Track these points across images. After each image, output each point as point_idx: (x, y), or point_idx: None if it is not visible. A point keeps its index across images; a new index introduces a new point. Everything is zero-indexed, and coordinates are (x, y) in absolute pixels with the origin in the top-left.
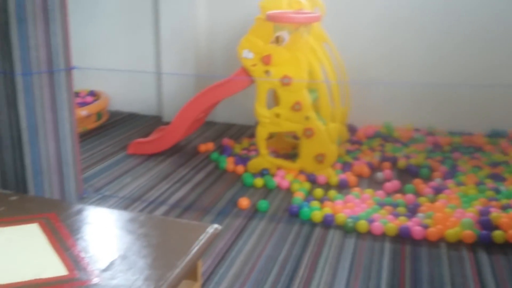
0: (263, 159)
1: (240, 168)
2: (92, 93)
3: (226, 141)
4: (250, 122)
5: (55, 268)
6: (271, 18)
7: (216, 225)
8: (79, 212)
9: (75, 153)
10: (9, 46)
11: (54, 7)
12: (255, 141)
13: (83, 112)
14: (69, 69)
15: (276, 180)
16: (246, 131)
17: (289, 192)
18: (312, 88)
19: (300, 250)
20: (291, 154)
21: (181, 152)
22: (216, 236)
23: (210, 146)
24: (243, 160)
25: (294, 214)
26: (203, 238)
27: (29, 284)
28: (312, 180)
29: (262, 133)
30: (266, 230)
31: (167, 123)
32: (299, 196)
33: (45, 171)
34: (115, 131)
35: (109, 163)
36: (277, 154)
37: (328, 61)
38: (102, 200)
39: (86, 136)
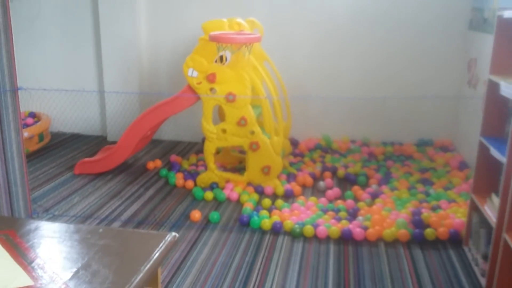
0: (212, 173)
1: (189, 183)
2: (32, 115)
3: (174, 157)
4: (196, 139)
5: (21, 279)
6: (214, 39)
7: (174, 233)
8: (38, 228)
9: (23, 173)
10: None
11: (1, 34)
12: (203, 156)
13: (24, 133)
14: (15, 90)
15: (225, 193)
16: (192, 148)
17: (238, 203)
18: (256, 104)
19: (252, 256)
20: (238, 168)
21: (129, 170)
22: (174, 244)
23: (158, 163)
24: (192, 175)
25: (244, 224)
26: (162, 245)
27: None
28: (260, 191)
29: (210, 148)
30: (219, 239)
31: (112, 142)
32: (248, 206)
33: None
34: (59, 152)
35: (56, 183)
36: (224, 168)
37: (269, 79)
38: (52, 220)
39: (29, 158)
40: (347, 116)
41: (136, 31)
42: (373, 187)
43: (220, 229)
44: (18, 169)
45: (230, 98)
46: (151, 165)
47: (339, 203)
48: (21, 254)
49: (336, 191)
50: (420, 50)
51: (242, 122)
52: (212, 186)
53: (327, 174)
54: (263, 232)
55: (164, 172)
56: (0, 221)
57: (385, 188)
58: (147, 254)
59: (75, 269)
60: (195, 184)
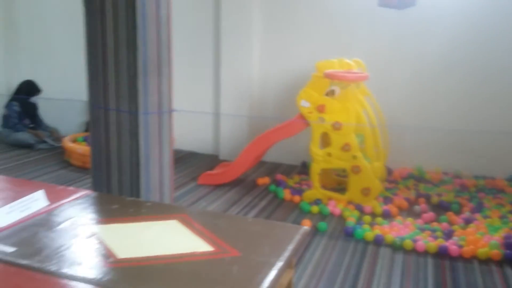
0: (317, 191)
1: (296, 198)
2: None
3: (279, 176)
4: (295, 162)
5: (204, 246)
6: (329, 76)
7: (306, 227)
8: (203, 214)
9: (171, 177)
10: (135, 92)
11: (164, 63)
12: (305, 177)
13: None
14: (170, 111)
15: (329, 208)
16: (293, 170)
17: (341, 218)
18: (359, 133)
19: (358, 260)
20: (337, 189)
21: (242, 184)
22: (306, 235)
23: (266, 180)
24: (298, 191)
25: (349, 234)
26: (299, 233)
27: (191, 254)
28: (360, 209)
29: (316, 169)
30: (328, 245)
31: (223, 161)
32: (351, 220)
33: (152, 190)
34: (181, 166)
35: (184, 191)
36: (325, 188)
37: (370, 111)
38: None
39: None
40: (439, 148)
41: (250, 66)
42: (467, 214)
43: (328, 236)
44: (168, 174)
45: (337, 126)
46: (260, 181)
47: (435, 225)
48: (198, 231)
49: (431, 215)
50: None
51: (346, 148)
52: (317, 202)
53: (422, 200)
54: (366, 242)
55: (273, 187)
56: (172, 208)
57: (478, 216)
58: (289, 239)
59: (243, 244)
60: (301, 199)
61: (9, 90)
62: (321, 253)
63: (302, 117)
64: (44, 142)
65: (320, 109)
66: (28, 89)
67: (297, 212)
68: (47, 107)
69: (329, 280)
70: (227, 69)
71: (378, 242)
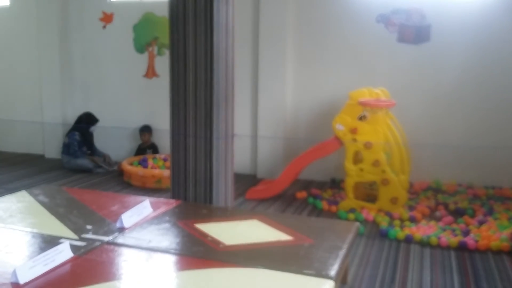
0: (351, 201)
1: (333, 208)
2: None
3: (314, 190)
4: (325, 179)
5: (284, 236)
6: (363, 104)
7: (357, 223)
8: (275, 215)
9: (232, 191)
10: (211, 121)
11: (229, 97)
12: (337, 190)
13: None
14: (232, 136)
15: (363, 215)
16: (324, 185)
17: (374, 223)
18: (387, 151)
19: (394, 253)
20: (367, 199)
21: (283, 198)
22: (358, 229)
23: (304, 194)
24: (334, 202)
25: (383, 235)
26: (354, 227)
27: (277, 242)
28: (389, 216)
29: (349, 182)
30: (367, 243)
31: (261, 179)
32: (383, 224)
33: (219, 200)
34: None
35: (235, 204)
36: (357, 199)
37: (395, 132)
38: None
39: None
40: (453, 163)
41: (284, 95)
42: (480, 217)
43: (366, 237)
44: (230, 189)
45: (368, 145)
46: (299, 195)
47: (454, 226)
48: (275, 226)
49: (450, 218)
50: None
51: (376, 163)
52: (352, 210)
53: (441, 207)
54: (398, 241)
55: (311, 199)
56: (250, 212)
57: (489, 218)
58: (348, 230)
59: (312, 234)
60: (338, 209)
61: (65, 122)
62: (363, 249)
63: (337, 138)
64: (100, 166)
65: (353, 131)
66: (87, 120)
67: (336, 219)
68: (100, 135)
69: (373, 268)
70: (264, 98)
71: (409, 240)
